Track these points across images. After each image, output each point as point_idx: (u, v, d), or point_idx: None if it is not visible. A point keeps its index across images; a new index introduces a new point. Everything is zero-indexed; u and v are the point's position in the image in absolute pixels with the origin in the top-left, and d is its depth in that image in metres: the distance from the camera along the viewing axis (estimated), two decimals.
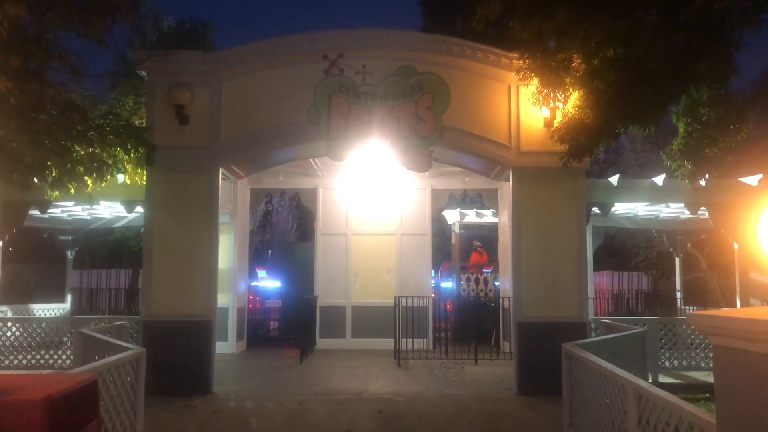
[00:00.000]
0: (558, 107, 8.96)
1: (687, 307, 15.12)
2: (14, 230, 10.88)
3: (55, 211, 12.27)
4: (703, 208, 10.90)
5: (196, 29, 22.02)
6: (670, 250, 16.14)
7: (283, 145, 9.99)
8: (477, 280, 14.88)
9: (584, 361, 6.14)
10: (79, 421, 3.32)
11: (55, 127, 7.04)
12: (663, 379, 10.22)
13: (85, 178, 7.98)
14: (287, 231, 31.78)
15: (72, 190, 8.02)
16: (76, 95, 8.14)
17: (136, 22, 16.98)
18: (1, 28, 5.30)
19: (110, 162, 8.33)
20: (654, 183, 10.54)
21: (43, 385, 3.23)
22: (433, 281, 15.60)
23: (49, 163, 7.45)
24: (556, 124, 8.90)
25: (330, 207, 14.20)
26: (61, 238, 15.10)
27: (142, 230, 11.12)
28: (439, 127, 9.63)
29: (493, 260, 15.51)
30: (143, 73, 9.76)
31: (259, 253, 26.02)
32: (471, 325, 13.03)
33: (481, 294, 14.48)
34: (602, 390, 5.50)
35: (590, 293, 12.77)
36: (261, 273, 18.40)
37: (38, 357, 10.82)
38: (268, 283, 17.94)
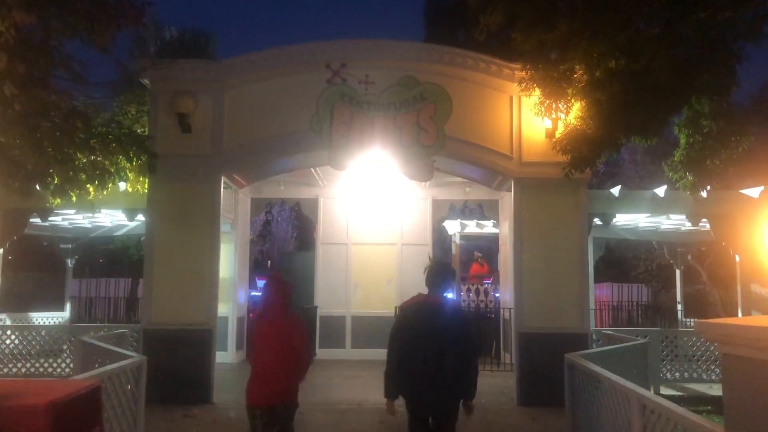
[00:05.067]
0: (560, 118, 8.97)
1: (687, 320, 15.08)
2: (15, 238, 10.84)
3: (55, 219, 12.24)
4: (704, 220, 10.89)
5: (198, 39, 22.06)
6: (671, 262, 16.13)
7: (285, 153, 10.00)
8: (477, 291, 14.87)
9: (588, 372, 6.12)
10: (82, 427, 3.28)
11: (58, 134, 7.04)
12: (664, 390, 10.19)
13: (87, 185, 8.00)
14: (286, 241, 31.76)
15: (74, 198, 8.02)
16: (80, 103, 8.15)
17: (140, 32, 16.99)
18: (8, 35, 5.32)
19: (112, 170, 8.35)
20: (655, 194, 10.54)
21: (46, 390, 3.18)
22: None
23: (51, 171, 7.46)
24: (558, 134, 8.91)
25: (331, 216, 14.18)
26: (62, 246, 15.06)
27: (142, 239, 11.09)
28: (441, 137, 9.64)
29: (493, 271, 15.49)
30: (146, 81, 9.77)
31: (258, 262, 25.98)
32: None
33: (482, 305, 14.45)
34: (606, 400, 5.48)
35: (591, 305, 12.73)
36: (261, 283, 18.34)
37: (37, 365, 10.79)
38: None
